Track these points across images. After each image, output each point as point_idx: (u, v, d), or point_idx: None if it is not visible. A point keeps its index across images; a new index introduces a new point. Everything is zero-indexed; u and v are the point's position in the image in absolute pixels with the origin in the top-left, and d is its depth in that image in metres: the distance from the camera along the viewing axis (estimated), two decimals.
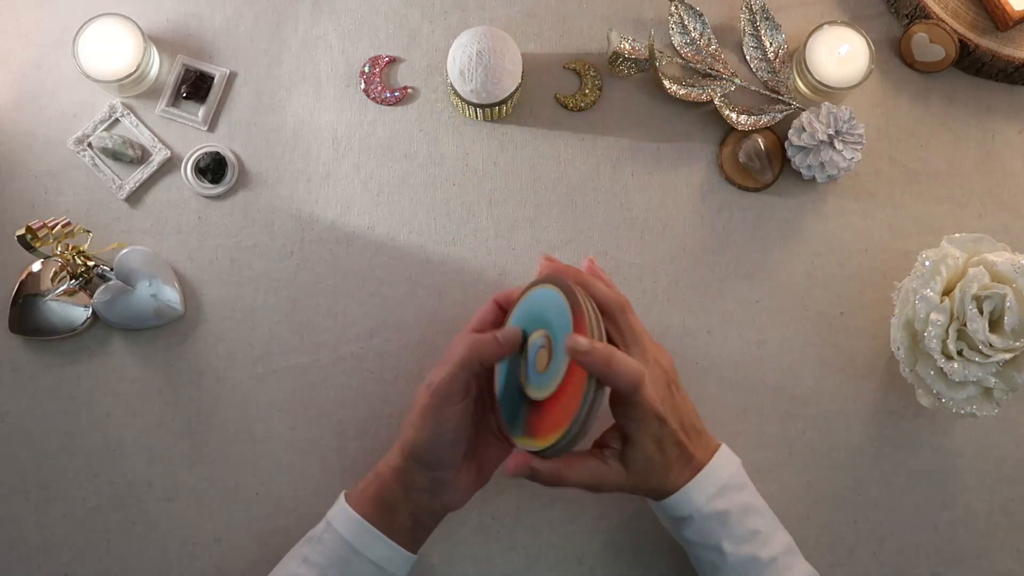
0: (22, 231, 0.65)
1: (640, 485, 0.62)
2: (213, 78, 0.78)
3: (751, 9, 0.80)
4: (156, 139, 0.77)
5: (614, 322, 0.62)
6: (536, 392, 0.61)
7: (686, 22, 0.80)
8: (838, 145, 0.75)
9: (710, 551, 0.63)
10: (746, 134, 0.78)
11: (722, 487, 0.63)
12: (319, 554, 0.63)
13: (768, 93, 0.79)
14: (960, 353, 0.69)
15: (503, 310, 0.68)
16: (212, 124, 0.78)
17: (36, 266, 0.75)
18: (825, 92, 0.77)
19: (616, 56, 0.77)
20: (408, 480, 0.63)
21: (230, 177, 0.77)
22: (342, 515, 0.64)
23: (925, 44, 0.79)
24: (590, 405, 0.57)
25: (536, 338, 0.62)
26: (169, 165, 0.77)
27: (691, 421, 0.64)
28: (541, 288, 0.63)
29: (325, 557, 0.63)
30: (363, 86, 0.79)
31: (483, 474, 0.66)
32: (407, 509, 0.63)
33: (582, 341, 0.56)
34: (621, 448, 0.62)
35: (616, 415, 0.62)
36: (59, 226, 0.68)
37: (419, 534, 0.65)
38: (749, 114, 0.78)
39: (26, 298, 0.74)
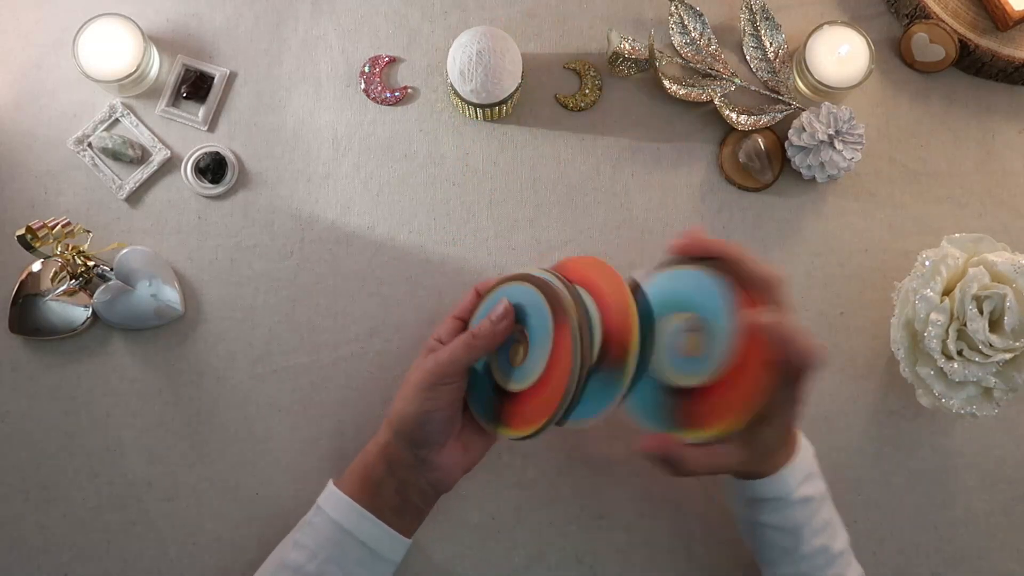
0: (22, 231, 0.65)
1: (751, 467, 0.62)
2: (213, 78, 0.78)
3: (751, 9, 0.80)
4: (156, 139, 0.77)
5: (771, 300, 0.58)
6: (514, 384, 0.62)
7: (686, 22, 0.80)
8: (838, 145, 0.75)
9: (787, 536, 0.63)
10: (746, 134, 0.78)
11: (809, 473, 0.64)
12: (310, 538, 0.64)
13: (768, 93, 0.79)
14: (960, 353, 0.69)
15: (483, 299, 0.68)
16: (212, 124, 0.78)
17: (36, 266, 0.75)
18: (825, 92, 0.77)
19: (616, 56, 0.77)
20: (392, 455, 0.63)
21: (230, 177, 0.77)
22: (331, 498, 0.64)
23: (925, 44, 0.79)
24: (572, 396, 0.58)
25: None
26: (169, 165, 0.77)
27: None
28: (515, 285, 0.64)
29: (315, 540, 0.63)
30: (363, 86, 0.79)
31: (469, 456, 0.66)
32: (392, 486, 0.64)
33: (770, 314, 0.55)
34: (747, 430, 0.58)
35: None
36: (59, 226, 0.68)
37: (408, 516, 0.65)
38: (749, 114, 0.78)
39: (26, 298, 0.74)
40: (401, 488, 0.64)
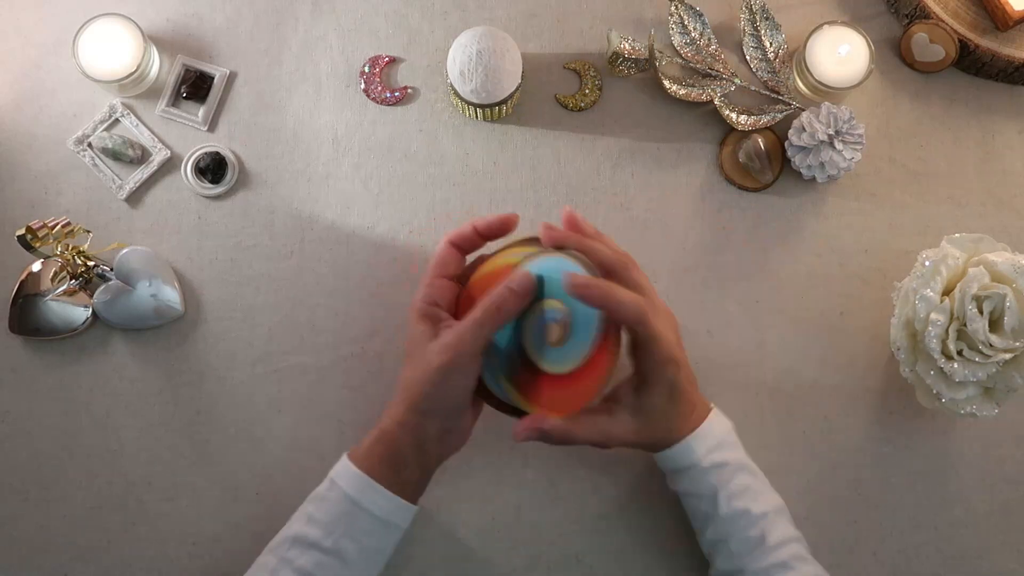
0: (22, 231, 0.65)
1: (646, 436, 0.65)
2: (213, 78, 0.78)
3: (751, 9, 0.80)
4: (156, 139, 0.77)
5: (620, 280, 0.62)
6: (547, 364, 0.61)
7: (686, 22, 0.80)
8: (838, 145, 0.75)
9: (704, 501, 0.66)
10: (746, 134, 0.78)
11: (720, 442, 0.66)
12: (324, 512, 0.63)
13: (768, 93, 0.79)
14: (960, 353, 0.69)
15: (462, 250, 0.66)
16: (212, 124, 0.78)
17: (36, 266, 0.75)
18: (825, 92, 0.77)
19: (616, 56, 0.77)
20: (421, 432, 0.63)
21: (230, 177, 0.77)
22: (346, 473, 0.64)
23: (925, 44, 0.79)
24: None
25: (550, 308, 0.61)
26: (169, 165, 0.77)
27: (693, 376, 0.68)
28: (549, 257, 0.62)
29: (329, 515, 0.63)
30: (363, 86, 0.79)
31: (477, 408, 0.67)
32: (416, 461, 0.64)
33: (580, 275, 0.59)
34: (633, 399, 0.64)
35: (636, 359, 0.64)
36: (59, 226, 0.68)
37: (424, 483, 0.66)
38: (749, 114, 0.78)
39: (26, 298, 0.74)
40: (423, 462, 0.64)
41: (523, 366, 0.62)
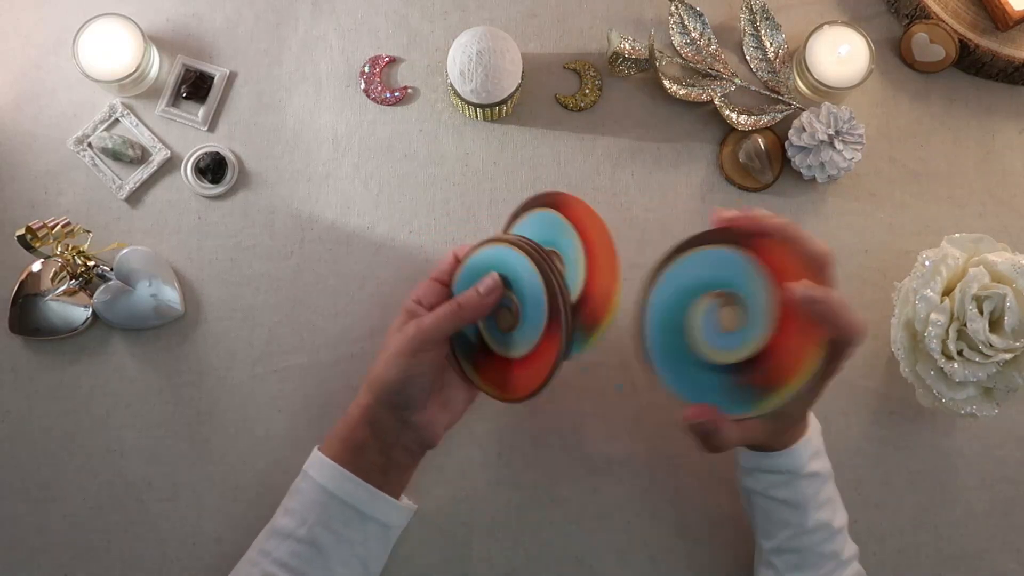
0: (22, 231, 0.65)
1: (774, 438, 0.63)
2: (213, 78, 0.78)
3: (751, 9, 0.80)
4: (156, 139, 0.77)
5: (823, 280, 0.57)
6: (502, 350, 0.64)
7: (686, 22, 0.80)
8: (838, 145, 0.75)
9: (792, 510, 0.64)
10: (746, 134, 0.78)
11: (817, 450, 0.65)
12: (297, 503, 0.64)
13: (768, 93, 0.79)
14: (960, 353, 0.69)
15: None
16: (212, 124, 0.78)
17: (36, 266, 0.75)
18: (825, 92, 0.77)
19: (616, 56, 0.77)
20: (374, 418, 0.64)
21: (230, 177, 0.77)
22: (316, 462, 0.65)
23: (925, 44, 0.79)
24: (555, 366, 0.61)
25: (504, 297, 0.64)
26: (169, 165, 0.77)
27: None
28: (502, 249, 0.63)
29: (303, 505, 0.64)
30: (363, 86, 0.79)
31: (451, 413, 0.67)
32: (375, 447, 0.64)
33: (819, 288, 0.55)
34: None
35: None
36: (59, 226, 0.68)
37: (394, 474, 0.65)
38: (749, 114, 0.78)
39: (26, 298, 0.74)
40: (385, 449, 0.64)
41: (480, 350, 0.65)
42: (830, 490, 0.66)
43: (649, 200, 0.79)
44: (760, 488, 0.65)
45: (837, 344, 0.56)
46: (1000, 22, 0.78)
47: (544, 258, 0.62)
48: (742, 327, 0.59)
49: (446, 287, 0.67)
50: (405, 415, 0.64)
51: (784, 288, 0.56)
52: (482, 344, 0.65)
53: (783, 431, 0.63)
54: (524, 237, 0.64)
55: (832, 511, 0.65)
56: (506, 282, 0.63)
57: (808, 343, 0.56)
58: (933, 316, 0.68)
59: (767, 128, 0.78)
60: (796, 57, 0.79)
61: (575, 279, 0.64)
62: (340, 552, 0.63)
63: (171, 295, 0.74)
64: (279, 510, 0.66)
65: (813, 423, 0.66)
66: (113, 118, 0.77)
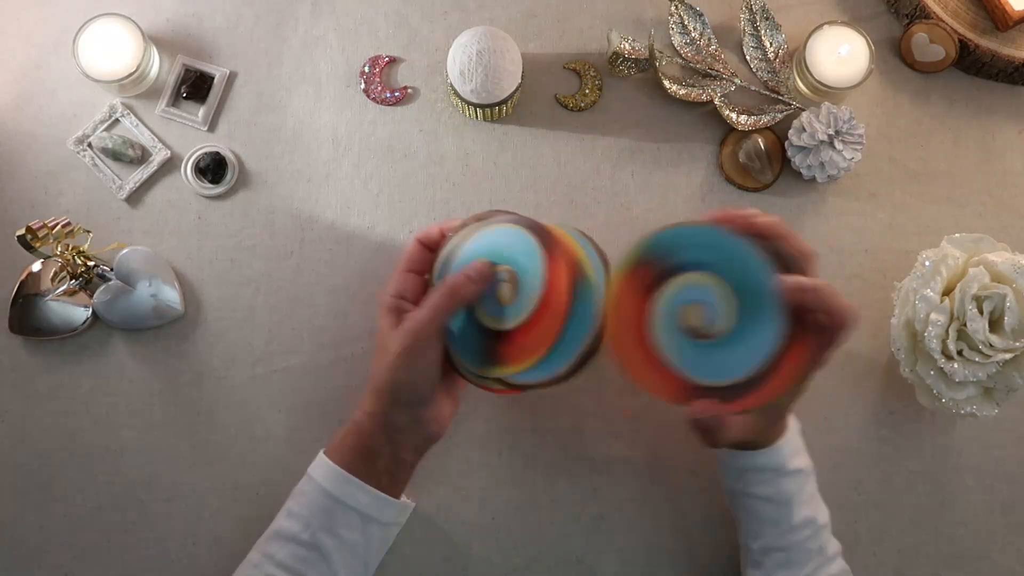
0: (22, 231, 0.65)
1: (760, 433, 0.64)
2: (213, 78, 0.78)
3: (751, 9, 0.80)
4: (156, 139, 0.77)
5: (809, 274, 0.59)
6: (507, 322, 0.62)
7: (686, 22, 0.80)
8: (838, 145, 0.75)
9: (777, 507, 0.65)
10: (746, 134, 0.78)
11: (798, 447, 0.66)
12: (301, 506, 0.64)
13: (768, 93, 0.79)
14: (960, 353, 0.69)
15: (430, 249, 0.67)
16: (212, 124, 0.78)
17: (36, 266, 0.75)
18: (825, 92, 0.77)
19: (616, 56, 0.77)
20: (389, 422, 0.64)
21: (230, 177, 0.77)
22: (322, 467, 0.65)
23: (925, 44, 0.79)
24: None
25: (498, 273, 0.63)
26: (169, 165, 0.77)
27: None
28: (502, 227, 0.63)
29: (307, 509, 0.64)
30: (363, 86, 0.79)
31: (454, 401, 0.67)
32: (388, 451, 0.64)
33: (795, 278, 0.57)
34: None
35: None
36: (59, 226, 0.68)
37: (400, 474, 0.66)
38: (749, 114, 0.78)
39: (26, 298, 0.74)
40: (395, 451, 0.64)
41: (484, 336, 0.63)
42: (812, 487, 0.67)
43: (649, 200, 0.79)
44: (745, 488, 0.66)
45: (829, 331, 0.57)
46: (1000, 22, 0.78)
47: (519, 215, 0.62)
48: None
49: (420, 276, 0.67)
50: (418, 412, 0.64)
51: (784, 280, 0.57)
52: (486, 331, 0.63)
53: (772, 426, 0.64)
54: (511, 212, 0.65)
55: (816, 507, 0.66)
56: (503, 258, 0.62)
57: (806, 342, 0.57)
58: (933, 316, 0.68)
59: (767, 128, 0.78)
60: (796, 57, 0.79)
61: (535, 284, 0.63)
62: (342, 554, 0.63)
63: (171, 295, 0.74)
64: (281, 512, 0.66)
65: (792, 421, 0.67)
66: (113, 118, 0.77)
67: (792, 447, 0.65)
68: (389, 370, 0.62)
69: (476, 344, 0.64)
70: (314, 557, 0.63)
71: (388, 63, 0.80)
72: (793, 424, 0.67)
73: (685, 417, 0.59)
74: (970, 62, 0.80)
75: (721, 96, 0.78)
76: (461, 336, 0.64)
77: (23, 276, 0.75)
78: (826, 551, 0.66)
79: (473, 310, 0.63)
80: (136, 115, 0.78)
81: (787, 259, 0.59)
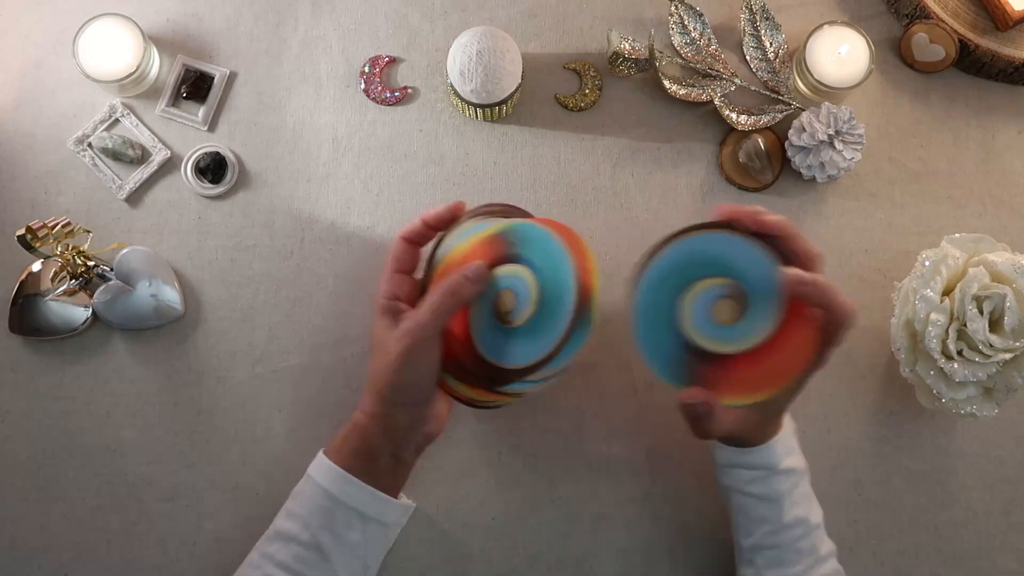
0: (22, 231, 0.65)
1: (754, 430, 0.64)
2: (213, 78, 0.78)
3: (751, 9, 0.80)
4: (156, 139, 0.77)
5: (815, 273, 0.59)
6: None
7: (686, 22, 0.80)
8: (838, 145, 0.75)
9: (767, 505, 0.65)
10: (746, 134, 0.78)
11: (791, 447, 0.66)
12: (301, 506, 0.65)
13: (768, 93, 0.79)
14: (960, 353, 0.69)
15: (415, 244, 0.68)
16: (212, 124, 0.78)
17: (36, 266, 0.75)
18: (825, 92, 0.77)
19: (616, 56, 0.77)
20: (391, 423, 0.64)
21: (230, 177, 0.77)
22: (322, 467, 0.65)
23: (925, 44, 0.79)
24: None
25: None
26: (169, 165, 0.77)
27: None
28: (525, 223, 0.63)
29: (306, 508, 0.64)
30: (363, 86, 0.79)
31: (449, 398, 0.67)
32: (389, 451, 0.64)
33: (796, 272, 0.57)
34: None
35: None
36: (59, 226, 0.68)
37: (400, 473, 0.66)
38: (749, 114, 0.78)
39: (26, 298, 0.74)
40: (396, 451, 0.65)
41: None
42: (805, 487, 0.66)
43: (649, 200, 0.79)
44: (737, 484, 0.66)
45: (828, 328, 0.58)
46: (1000, 22, 0.78)
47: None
48: (742, 322, 0.59)
49: (410, 275, 0.67)
50: (419, 411, 0.64)
51: (784, 272, 0.57)
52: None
53: (766, 424, 0.64)
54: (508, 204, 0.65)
55: (808, 508, 0.66)
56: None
57: (806, 339, 0.57)
58: (933, 316, 0.68)
59: (767, 128, 0.78)
60: (796, 57, 0.79)
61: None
62: (342, 554, 0.63)
63: (171, 295, 0.74)
64: (281, 513, 0.66)
65: (787, 422, 0.67)
66: (113, 118, 0.77)
67: (785, 447, 0.65)
68: (390, 371, 0.62)
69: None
70: (314, 557, 0.63)
71: (388, 63, 0.80)
72: (789, 425, 0.67)
73: (677, 403, 0.60)
74: (970, 62, 0.80)
75: (721, 96, 0.78)
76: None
77: (23, 276, 0.75)
78: (818, 551, 0.65)
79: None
80: (136, 115, 0.78)
81: (792, 258, 0.59)
